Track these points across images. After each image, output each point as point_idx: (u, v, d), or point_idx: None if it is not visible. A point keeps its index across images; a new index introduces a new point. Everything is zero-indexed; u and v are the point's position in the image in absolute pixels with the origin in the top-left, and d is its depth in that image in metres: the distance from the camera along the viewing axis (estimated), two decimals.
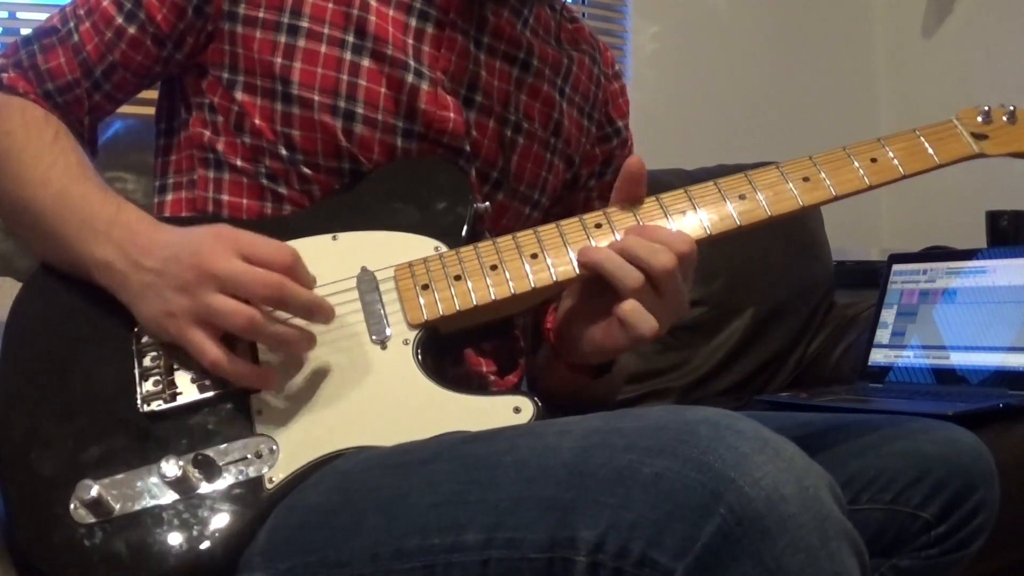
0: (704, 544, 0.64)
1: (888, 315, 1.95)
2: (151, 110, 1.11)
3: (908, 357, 1.88)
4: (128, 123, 1.62)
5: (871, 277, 2.18)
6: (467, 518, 0.73)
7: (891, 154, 0.96)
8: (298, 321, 0.87)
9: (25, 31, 2.12)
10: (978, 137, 0.99)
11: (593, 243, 0.93)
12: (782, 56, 2.86)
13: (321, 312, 0.87)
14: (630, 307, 0.89)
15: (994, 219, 2.25)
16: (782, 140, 2.68)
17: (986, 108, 1.01)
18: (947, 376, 1.81)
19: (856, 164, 0.96)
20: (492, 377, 1.07)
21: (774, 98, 2.83)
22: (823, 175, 0.95)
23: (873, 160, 0.96)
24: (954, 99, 2.72)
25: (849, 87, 2.94)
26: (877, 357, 1.93)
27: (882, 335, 1.94)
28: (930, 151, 0.97)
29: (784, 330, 2.17)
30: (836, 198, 0.95)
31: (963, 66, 2.75)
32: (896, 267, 1.99)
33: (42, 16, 2.13)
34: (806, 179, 0.95)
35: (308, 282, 0.87)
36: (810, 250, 2.27)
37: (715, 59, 2.76)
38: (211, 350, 0.84)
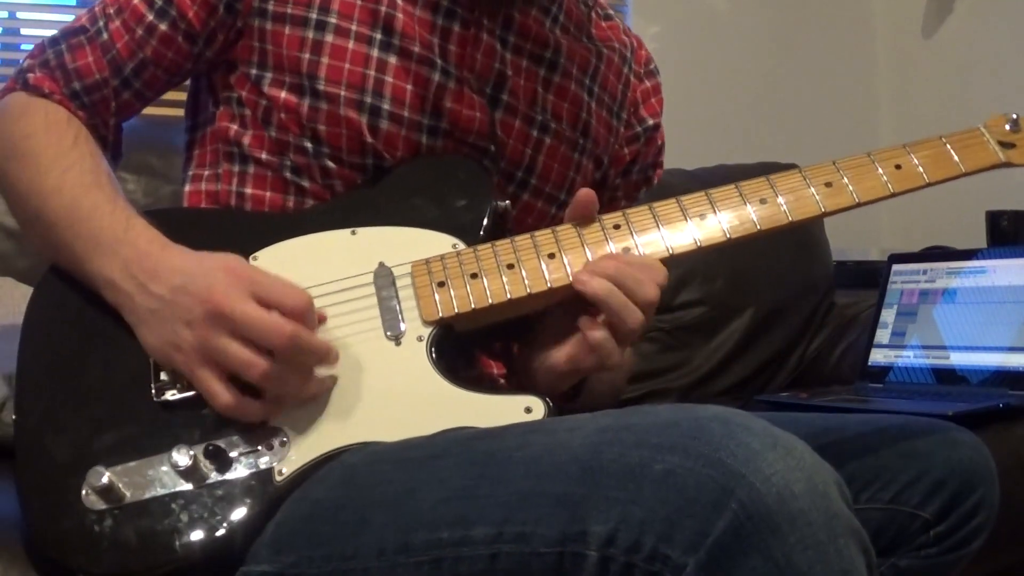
0: (715, 539, 0.65)
1: (888, 315, 1.95)
2: (151, 110, 1.11)
3: (908, 357, 1.88)
4: (129, 123, 1.61)
5: (871, 277, 2.17)
6: (476, 513, 0.74)
7: (916, 161, 0.95)
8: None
9: (25, 31, 2.14)
10: (1005, 145, 0.97)
11: (611, 245, 0.93)
12: (782, 56, 2.86)
13: (330, 358, 0.86)
14: (604, 336, 0.89)
15: (994, 219, 2.24)
16: (782, 140, 2.68)
17: (1015, 116, 0.99)
18: (947, 376, 1.81)
19: (880, 170, 0.94)
20: (502, 380, 1.07)
21: (774, 98, 2.83)
22: (846, 181, 0.94)
23: (898, 167, 0.95)
24: (954, 99, 2.74)
25: (849, 87, 2.94)
26: (877, 357, 1.93)
27: (882, 335, 1.94)
28: (956, 159, 0.96)
29: (784, 330, 2.17)
30: (859, 204, 0.94)
31: (963, 66, 2.74)
32: (896, 267, 1.99)
33: (42, 16, 2.14)
34: (828, 184, 0.94)
35: (316, 325, 0.86)
36: (810, 250, 2.27)
37: (715, 59, 2.76)
38: (223, 394, 0.83)
